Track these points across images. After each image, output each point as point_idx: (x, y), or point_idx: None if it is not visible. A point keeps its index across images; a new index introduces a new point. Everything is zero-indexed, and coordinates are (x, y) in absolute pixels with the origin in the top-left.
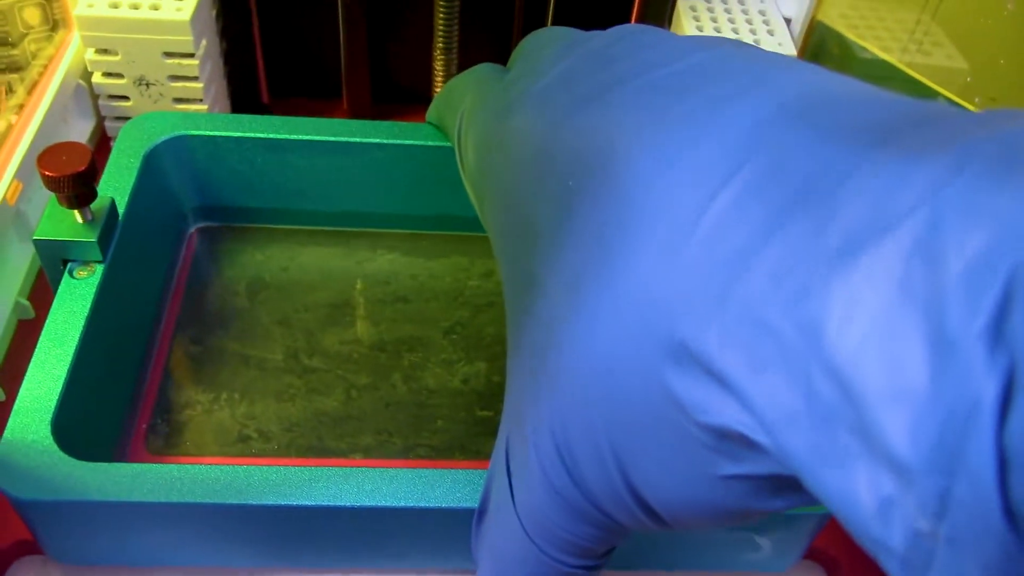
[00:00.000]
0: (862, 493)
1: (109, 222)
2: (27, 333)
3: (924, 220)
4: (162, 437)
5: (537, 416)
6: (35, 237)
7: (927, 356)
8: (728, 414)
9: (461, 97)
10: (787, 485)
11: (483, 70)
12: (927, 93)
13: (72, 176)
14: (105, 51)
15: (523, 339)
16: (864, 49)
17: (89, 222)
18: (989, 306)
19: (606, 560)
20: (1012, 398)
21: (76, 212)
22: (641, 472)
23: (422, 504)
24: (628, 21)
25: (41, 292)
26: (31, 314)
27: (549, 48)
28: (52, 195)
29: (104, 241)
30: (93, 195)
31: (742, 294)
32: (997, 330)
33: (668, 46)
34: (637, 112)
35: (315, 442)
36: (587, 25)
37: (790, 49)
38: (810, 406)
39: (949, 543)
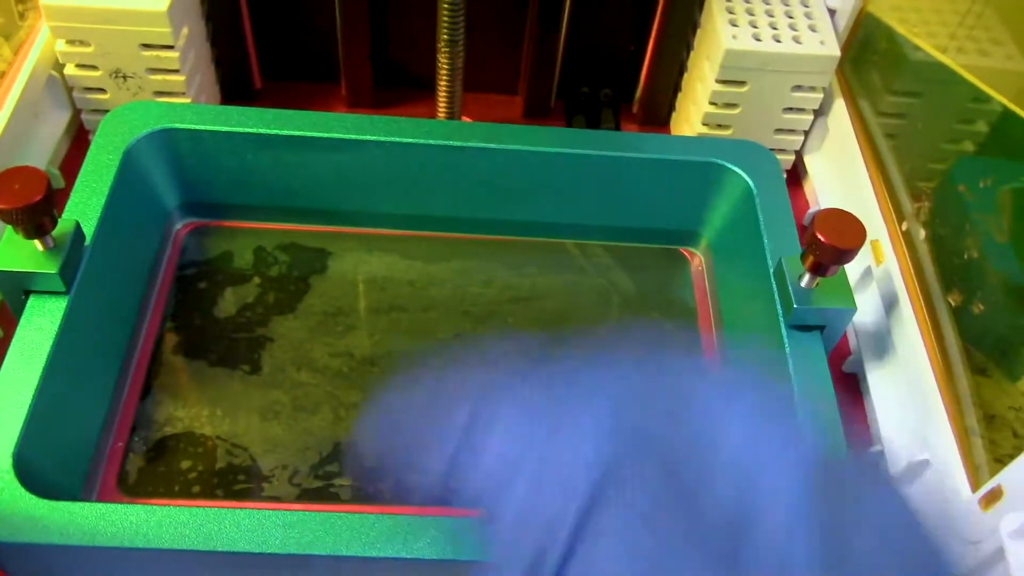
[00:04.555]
0: None
1: (74, 248)
2: None
3: None
4: (140, 456)
5: None
6: None
7: None
8: None
9: None
10: None
11: None
12: (983, 98)
13: (26, 208)
14: (77, 42)
15: None
16: (917, 48)
17: (51, 249)
18: None
19: None
20: None
21: (36, 240)
22: None
23: (403, 555)
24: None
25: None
26: None
27: None
28: None
29: (68, 271)
30: (53, 223)
31: None
32: None
33: None
34: None
35: (300, 465)
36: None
37: (833, 47)
38: None
39: None
